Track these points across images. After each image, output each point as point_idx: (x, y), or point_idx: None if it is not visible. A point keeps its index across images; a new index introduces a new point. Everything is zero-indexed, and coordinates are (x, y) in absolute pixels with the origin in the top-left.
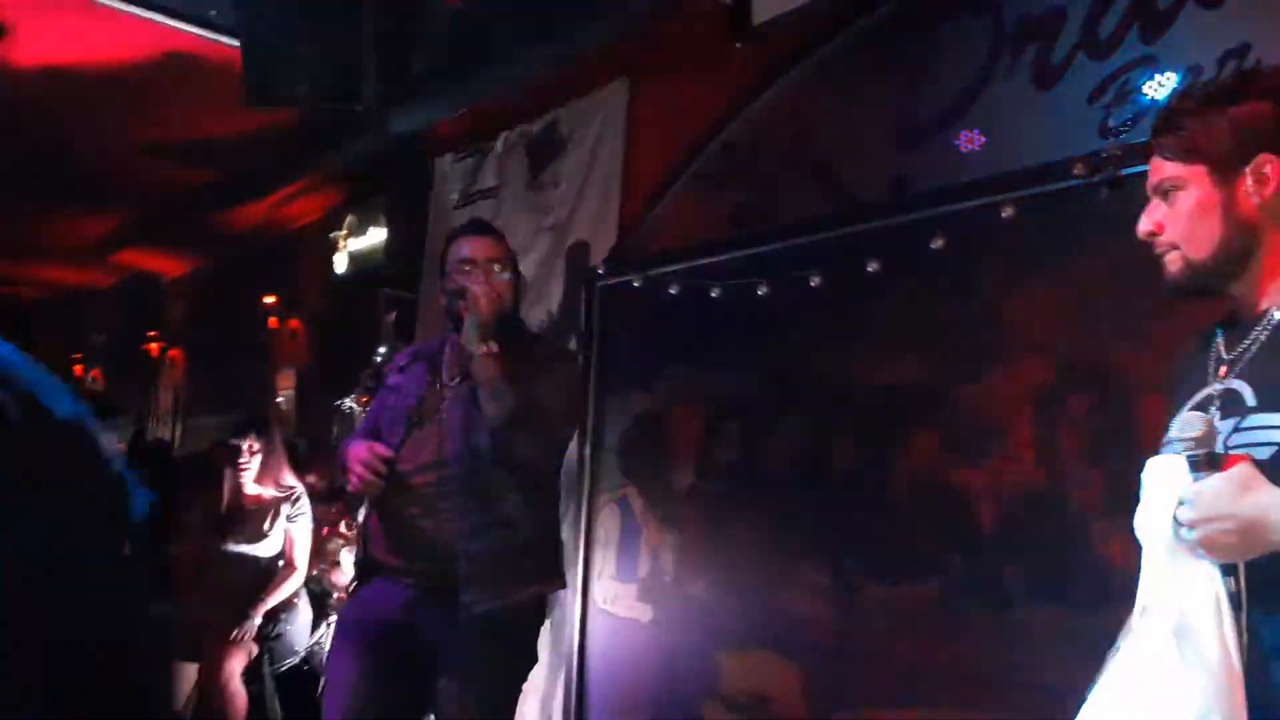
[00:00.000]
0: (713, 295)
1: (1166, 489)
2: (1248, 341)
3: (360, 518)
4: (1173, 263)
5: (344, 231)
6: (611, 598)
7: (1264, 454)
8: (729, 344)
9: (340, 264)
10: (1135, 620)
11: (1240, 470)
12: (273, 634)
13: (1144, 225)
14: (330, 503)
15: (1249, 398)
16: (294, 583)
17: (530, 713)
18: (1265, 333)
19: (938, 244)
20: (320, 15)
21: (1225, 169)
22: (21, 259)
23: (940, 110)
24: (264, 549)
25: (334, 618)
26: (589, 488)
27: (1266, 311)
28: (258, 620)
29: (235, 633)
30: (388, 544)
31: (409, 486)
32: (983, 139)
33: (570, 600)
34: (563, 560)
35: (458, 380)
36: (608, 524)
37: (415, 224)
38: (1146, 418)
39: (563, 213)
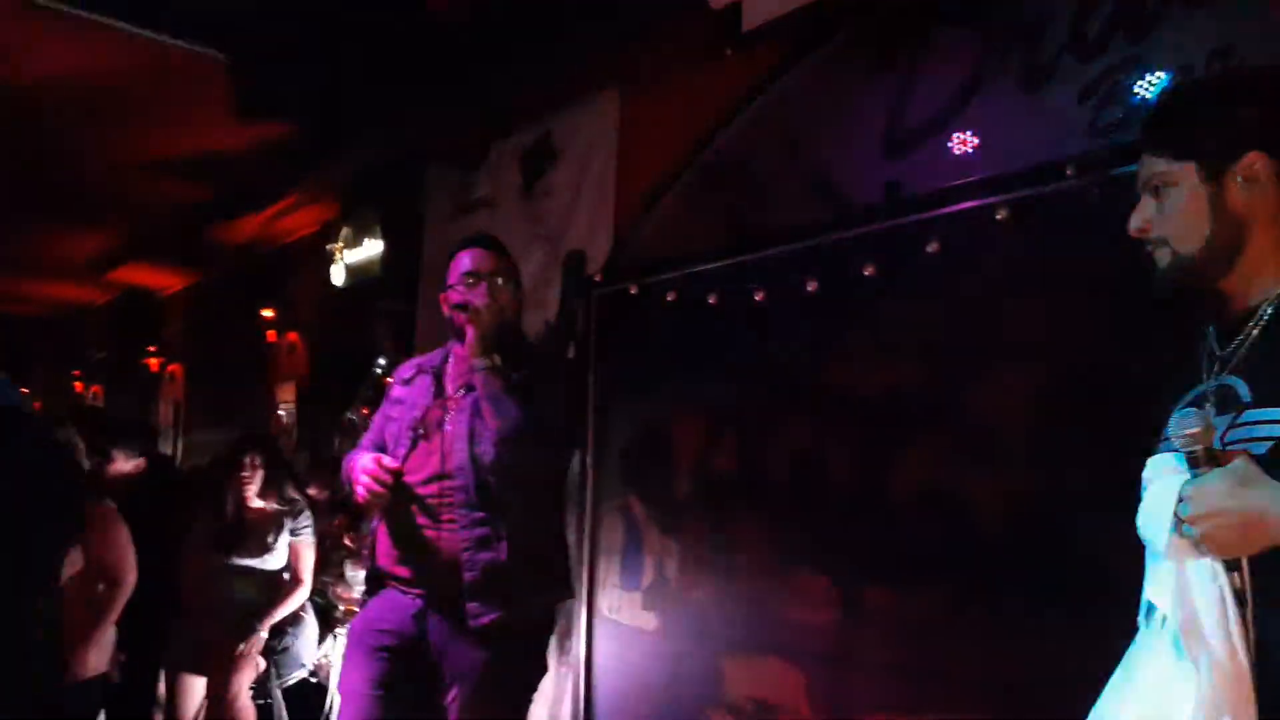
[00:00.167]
0: (710, 302)
1: (1166, 487)
2: (1240, 337)
3: (366, 530)
4: (1162, 259)
5: (340, 244)
6: (616, 606)
7: (1261, 449)
8: (727, 350)
9: (337, 276)
10: (1141, 620)
11: (1238, 466)
12: (279, 648)
13: (1134, 222)
14: (334, 515)
15: (1244, 393)
16: (299, 596)
17: None
18: (1257, 328)
19: (932, 247)
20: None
21: (1214, 166)
22: (19, 276)
23: (932, 114)
24: (269, 563)
25: (340, 631)
26: (591, 497)
27: (1258, 307)
28: (264, 634)
29: (242, 647)
30: (395, 555)
31: (415, 498)
32: (975, 142)
33: (575, 609)
34: (570, 571)
35: (462, 392)
36: (610, 533)
37: (411, 235)
38: (1143, 417)
39: (557, 222)
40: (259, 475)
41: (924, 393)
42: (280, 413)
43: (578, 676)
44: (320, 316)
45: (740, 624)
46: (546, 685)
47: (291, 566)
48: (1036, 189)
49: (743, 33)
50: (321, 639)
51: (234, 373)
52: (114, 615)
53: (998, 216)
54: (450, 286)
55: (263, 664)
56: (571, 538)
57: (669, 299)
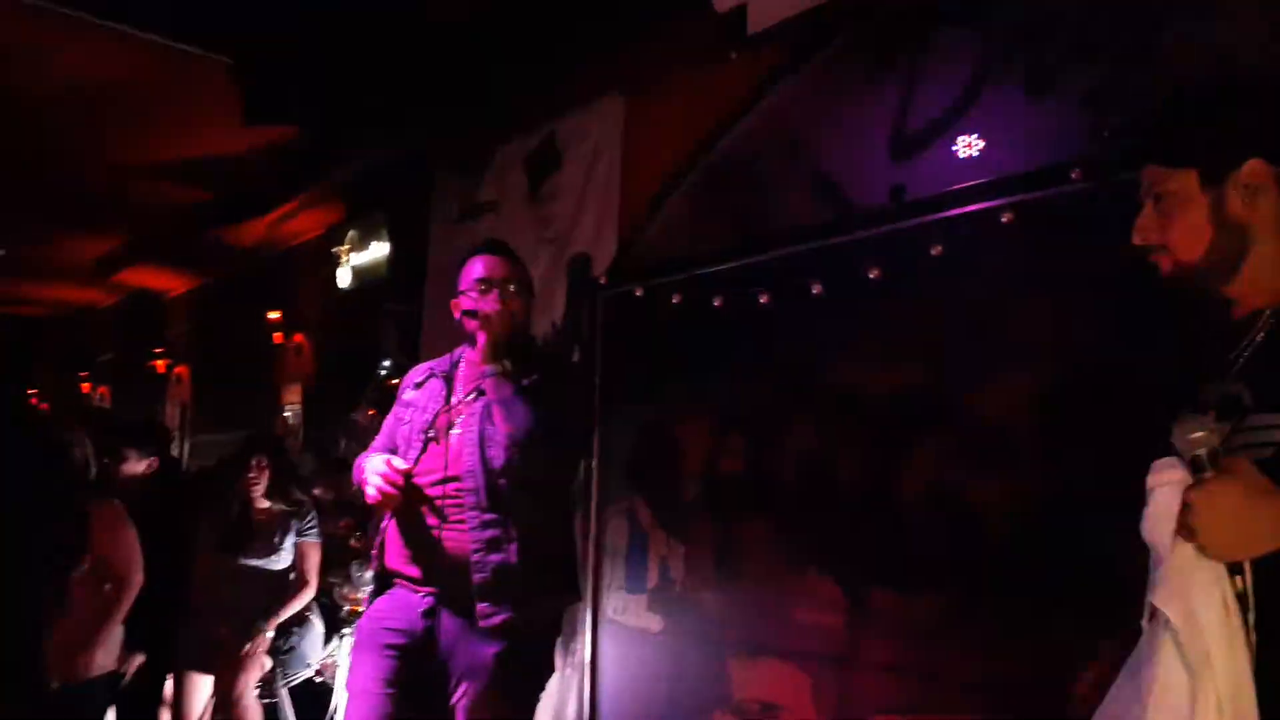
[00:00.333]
0: (715, 304)
1: (1170, 492)
2: (1244, 343)
3: (372, 531)
4: (1165, 266)
5: (345, 246)
6: (621, 608)
7: (1264, 454)
8: (732, 353)
9: (343, 278)
10: (1145, 623)
11: (1242, 470)
12: (285, 648)
13: (1136, 231)
14: (340, 516)
15: (1247, 399)
16: (305, 596)
17: None
18: (1260, 334)
19: (937, 250)
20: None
21: (1215, 173)
22: (27, 278)
23: (936, 116)
24: (275, 564)
25: (346, 631)
26: (597, 499)
27: (1260, 313)
28: (270, 634)
29: (248, 647)
30: (405, 556)
31: (426, 499)
32: (980, 144)
33: (581, 611)
34: (578, 574)
35: (472, 396)
36: (616, 535)
37: (416, 238)
38: (1147, 421)
39: (562, 225)
40: (265, 476)
41: (929, 395)
42: (286, 414)
43: (583, 678)
44: (326, 319)
45: (746, 626)
46: (552, 687)
47: (298, 567)
48: (1041, 192)
49: (748, 35)
50: (327, 639)
51: (240, 374)
52: (121, 614)
53: (1002, 219)
54: (462, 292)
55: (269, 664)
56: (577, 540)
57: (674, 301)
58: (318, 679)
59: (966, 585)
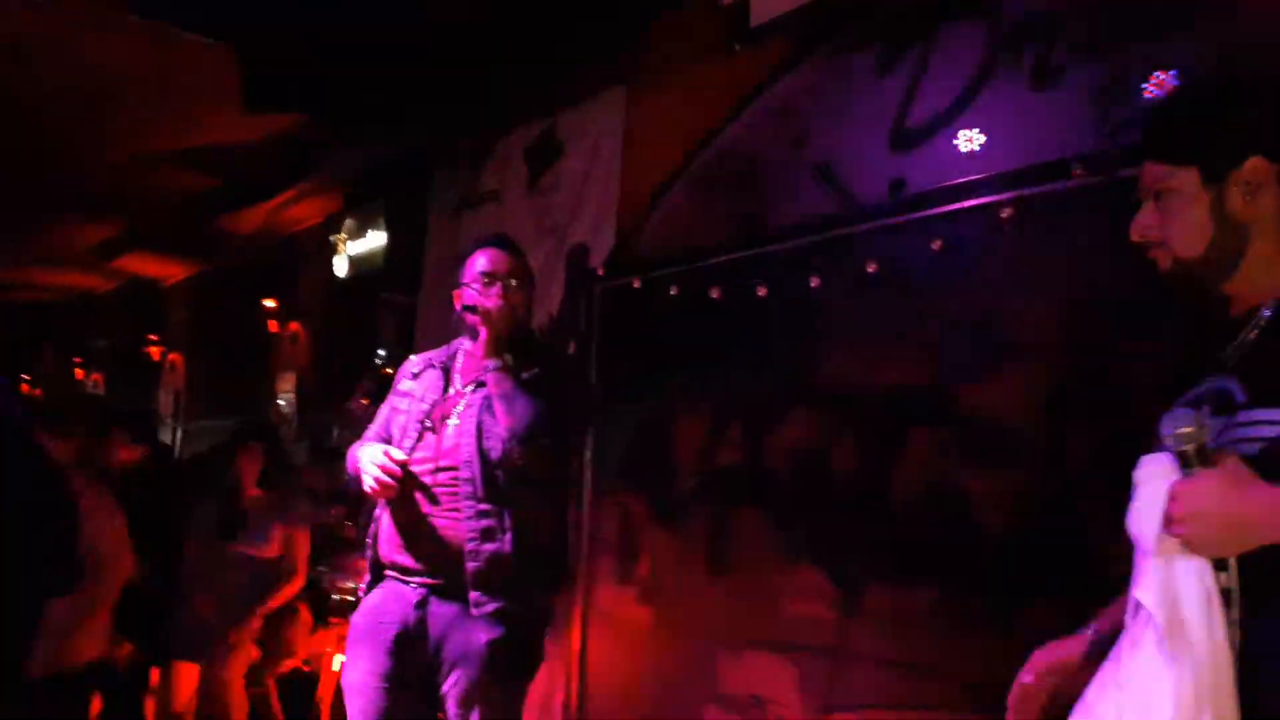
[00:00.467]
0: (713, 297)
1: (1157, 486)
2: (1238, 340)
3: (365, 519)
4: (1164, 263)
5: (343, 235)
6: (611, 600)
7: (1253, 449)
8: (729, 346)
9: (340, 268)
10: (1128, 617)
11: (1229, 466)
12: (274, 636)
13: (1136, 227)
14: (332, 505)
15: (1239, 395)
16: (295, 586)
17: (531, 715)
18: (1255, 331)
19: (937, 245)
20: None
21: (1216, 171)
22: (24, 264)
23: (939, 111)
24: (266, 552)
25: (335, 621)
26: (589, 491)
27: (1256, 310)
28: (259, 623)
29: (236, 635)
30: (399, 545)
31: (422, 489)
32: (982, 139)
33: (571, 602)
34: (570, 564)
35: (471, 388)
36: (608, 527)
37: (415, 228)
38: (1145, 417)
39: (562, 216)
40: (258, 464)
41: (926, 390)
42: (280, 402)
43: (571, 670)
44: (323, 307)
45: (736, 620)
46: (540, 678)
47: (288, 555)
48: (1042, 187)
49: (750, 28)
50: (316, 629)
51: (235, 362)
52: (107, 602)
53: (1003, 214)
54: (464, 284)
55: (257, 652)
56: (569, 530)
57: (672, 294)
58: (306, 668)
59: (959, 580)
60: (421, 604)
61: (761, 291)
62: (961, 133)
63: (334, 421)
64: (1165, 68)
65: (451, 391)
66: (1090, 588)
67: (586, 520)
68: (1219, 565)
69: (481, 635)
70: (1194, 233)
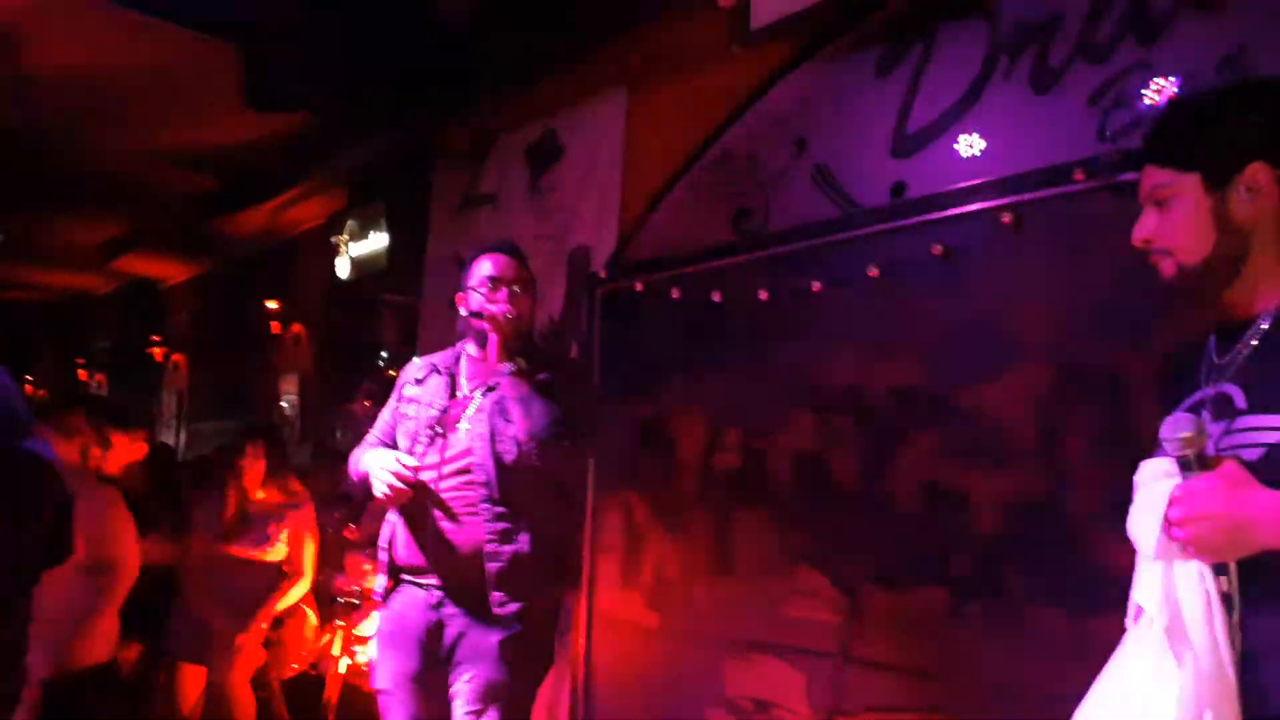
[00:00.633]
0: (714, 300)
1: (1156, 490)
2: (1238, 346)
3: (366, 520)
4: (1166, 269)
5: (345, 236)
6: (616, 603)
7: (1253, 455)
8: (730, 348)
9: (342, 269)
10: (1128, 621)
11: (1229, 470)
12: (279, 639)
13: (1138, 234)
14: (335, 508)
15: (1239, 400)
16: (300, 588)
17: (536, 718)
18: (1255, 337)
19: (937, 248)
20: (322, 20)
21: (1218, 177)
22: (26, 264)
23: (939, 115)
24: (269, 554)
25: (340, 623)
26: (592, 493)
27: (1257, 317)
28: (264, 625)
29: (241, 638)
30: (414, 549)
31: (434, 494)
32: (982, 143)
33: (576, 605)
34: (579, 563)
35: (480, 392)
36: (612, 530)
37: (416, 229)
38: (1146, 422)
39: (562, 218)
40: (260, 466)
41: (926, 393)
42: (283, 404)
43: (576, 674)
44: (325, 308)
45: (740, 622)
46: (546, 682)
47: (292, 558)
48: (1043, 192)
49: (751, 30)
50: (321, 631)
51: (238, 363)
52: (114, 604)
53: (1003, 219)
54: (470, 288)
55: (262, 655)
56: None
57: (673, 296)
58: (312, 671)
59: (961, 583)
60: (438, 605)
61: (763, 294)
62: (962, 136)
63: (336, 423)
64: (1165, 72)
65: (459, 396)
66: (1093, 592)
67: (589, 523)
68: (1219, 569)
69: (497, 635)
70: (1198, 239)
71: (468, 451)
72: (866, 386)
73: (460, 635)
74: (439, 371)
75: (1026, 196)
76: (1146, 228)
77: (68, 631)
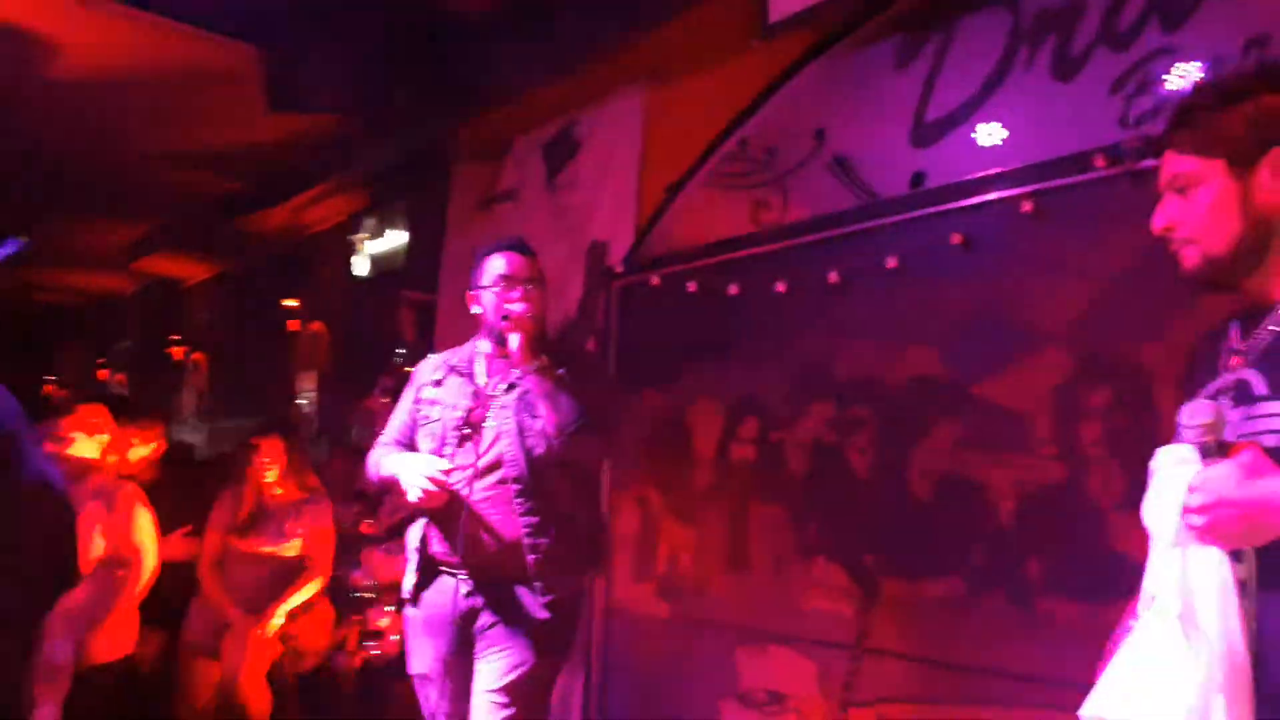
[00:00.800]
0: (732, 292)
1: (1175, 476)
2: (1259, 332)
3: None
4: (1189, 258)
5: (363, 235)
6: (630, 594)
7: (1272, 441)
8: (747, 341)
9: (361, 267)
10: (1143, 607)
11: (1248, 456)
12: (295, 634)
13: (1158, 222)
14: (351, 503)
15: (1258, 386)
16: (316, 583)
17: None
18: (1276, 324)
19: (957, 238)
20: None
21: (1242, 163)
22: (49, 265)
23: (959, 103)
24: (286, 550)
25: (356, 619)
26: (608, 485)
27: (1276, 304)
28: (280, 620)
29: (257, 633)
30: (447, 546)
31: (465, 492)
32: (1002, 132)
33: (590, 596)
34: (606, 549)
35: (503, 390)
36: (627, 521)
37: (434, 227)
38: (1166, 410)
39: (580, 213)
40: (279, 462)
41: (944, 383)
42: (301, 401)
43: (590, 663)
44: (344, 306)
45: (755, 614)
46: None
47: (308, 553)
48: (1064, 179)
49: (769, 23)
50: (337, 627)
51: (257, 362)
52: (134, 599)
53: (1024, 208)
54: (481, 286)
55: (278, 650)
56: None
57: (691, 289)
58: (327, 666)
59: (978, 573)
60: (470, 594)
61: (780, 286)
62: (982, 125)
63: (354, 419)
64: (1190, 57)
65: (481, 394)
66: (1109, 581)
67: (604, 514)
68: (1236, 556)
69: (528, 622)
70: (1222, 226)
71: (499, 449)
72: (884, 377)
73: (493, 623)
74: (458, 372)
75: (1047, 185)
76: (1167, 215)
77: (88, 626)
